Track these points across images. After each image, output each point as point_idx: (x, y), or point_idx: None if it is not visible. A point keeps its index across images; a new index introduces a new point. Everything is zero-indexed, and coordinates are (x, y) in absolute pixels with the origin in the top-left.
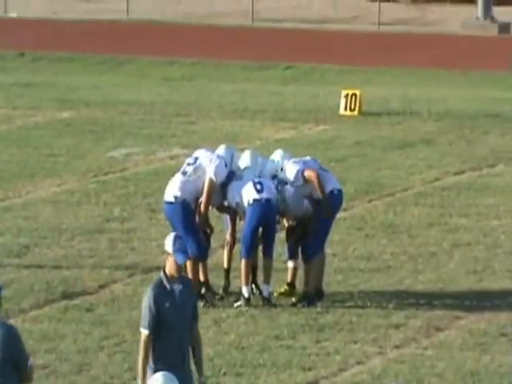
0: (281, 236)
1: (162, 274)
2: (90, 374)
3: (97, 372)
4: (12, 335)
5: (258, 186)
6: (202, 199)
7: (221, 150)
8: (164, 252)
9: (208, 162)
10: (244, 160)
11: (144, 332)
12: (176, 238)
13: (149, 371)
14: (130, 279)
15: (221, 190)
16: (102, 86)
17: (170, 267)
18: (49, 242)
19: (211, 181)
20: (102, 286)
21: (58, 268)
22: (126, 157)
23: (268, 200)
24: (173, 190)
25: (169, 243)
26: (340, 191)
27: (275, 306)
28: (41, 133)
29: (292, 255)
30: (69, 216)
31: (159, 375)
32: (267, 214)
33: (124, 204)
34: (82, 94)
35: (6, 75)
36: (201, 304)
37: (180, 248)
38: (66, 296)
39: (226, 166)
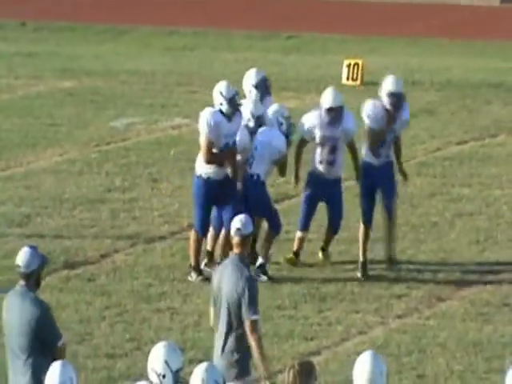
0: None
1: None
2: (91, 344)
3: (98, 342)
4: (42, 312)
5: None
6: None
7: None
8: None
9: None
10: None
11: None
12: None
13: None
14: (131, 249)
15: None
16: (103, 55)
17: None
18: (50, 211)
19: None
20: (103, 256)
21: (59, 238)
22: (127, 126)
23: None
24: None
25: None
26: None
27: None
28: (42, 102)
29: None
30: (70, 186)
31: (162, 345)
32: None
33: (126, 174)
34: (84, 63)
35: (7, 45)
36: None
37: None
38: (68, 266)
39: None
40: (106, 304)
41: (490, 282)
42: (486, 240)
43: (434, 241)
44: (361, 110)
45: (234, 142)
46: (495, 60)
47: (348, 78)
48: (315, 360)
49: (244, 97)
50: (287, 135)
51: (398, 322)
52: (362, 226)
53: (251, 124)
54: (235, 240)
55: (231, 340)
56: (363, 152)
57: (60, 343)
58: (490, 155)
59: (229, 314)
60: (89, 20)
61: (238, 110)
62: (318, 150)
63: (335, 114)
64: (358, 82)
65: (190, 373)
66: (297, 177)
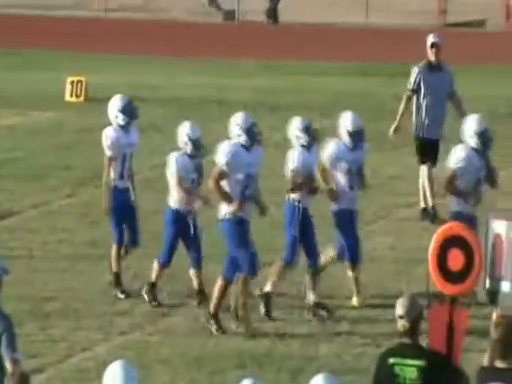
0: None
1: None
2: None
3: None
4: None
5: None
6: None
7: None
8: None
9: None
10: None
11: None
12: None
13: None
14: None
15: None
16: None
17: None
18: None
19: None
20: None
21: None
22: None
23: None
24: None
25: None
26: None
27: None
28: None
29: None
30: None
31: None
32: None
33: None
34: None
35: None
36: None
37: None
38: None
39: None
40: None
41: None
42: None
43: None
44: (83, 126)
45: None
46: (217, 77)
47: (72, 95)
48: (38, 378)
49: None
50: None
51: (120, 338)
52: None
53: None
54: None
55: None
56: None
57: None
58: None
59: None
60: None
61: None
62: (345, 177)
63: (360, 137)
64: (82, 98)
65: None
66: None
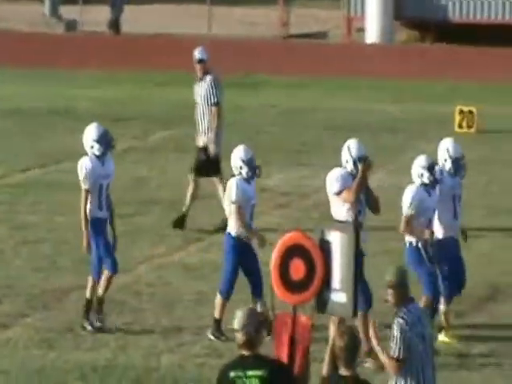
0: None
1: None
2: None
3: None
4: None
5: None
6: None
7: None
8: None
9: None
10: None
11: None
12: None
13: None
14: None
15: None
16: None
17: None
18: None
19: None
20: None
21: None
22: None
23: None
24: None
25: None
26: None
27: None
28: None
29: None
30: None
31: None
32: None
33: None
34: None
35: None
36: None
37: None
38: None
39: None
40: None
41: (55, 308)
42: (50, 266)
43: (0, 268)
44: None
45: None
46: (60, 87)
47: None
48: None
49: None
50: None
51: None
52: None
53: None
54: None
55: None
56: None
57: None
58: (55, 182)
59: None
60: None
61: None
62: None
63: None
64: None
65: None
66: None
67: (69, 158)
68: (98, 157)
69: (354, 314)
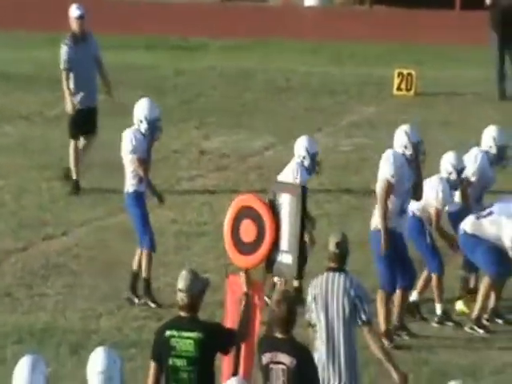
0: None
1: None
2: None
3: None
4: None
5: None
6: None
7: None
8: None
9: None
10: None
11: None
12: None
13: None
14: None
15: None
16: None
17: None
18: None
19: None
20: None
21: None
22: None
23: None
24: None
25: None
26: None
27: None
28: None
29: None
30: None
31: None
32: None
33: None
34: None
35: None
36: None
37: None
38: None
39: None
40: None
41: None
42: None
43: None
44: None
45: None
46: None
47: None
48: None
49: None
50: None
51: None
52: None
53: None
54: None
55: None
56: None
57: None
58: None
59: None
60: None
61: None
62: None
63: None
64: None
65: None
66: None
67: (4, 121)
68: (142, 134)
69: (298, 275)
